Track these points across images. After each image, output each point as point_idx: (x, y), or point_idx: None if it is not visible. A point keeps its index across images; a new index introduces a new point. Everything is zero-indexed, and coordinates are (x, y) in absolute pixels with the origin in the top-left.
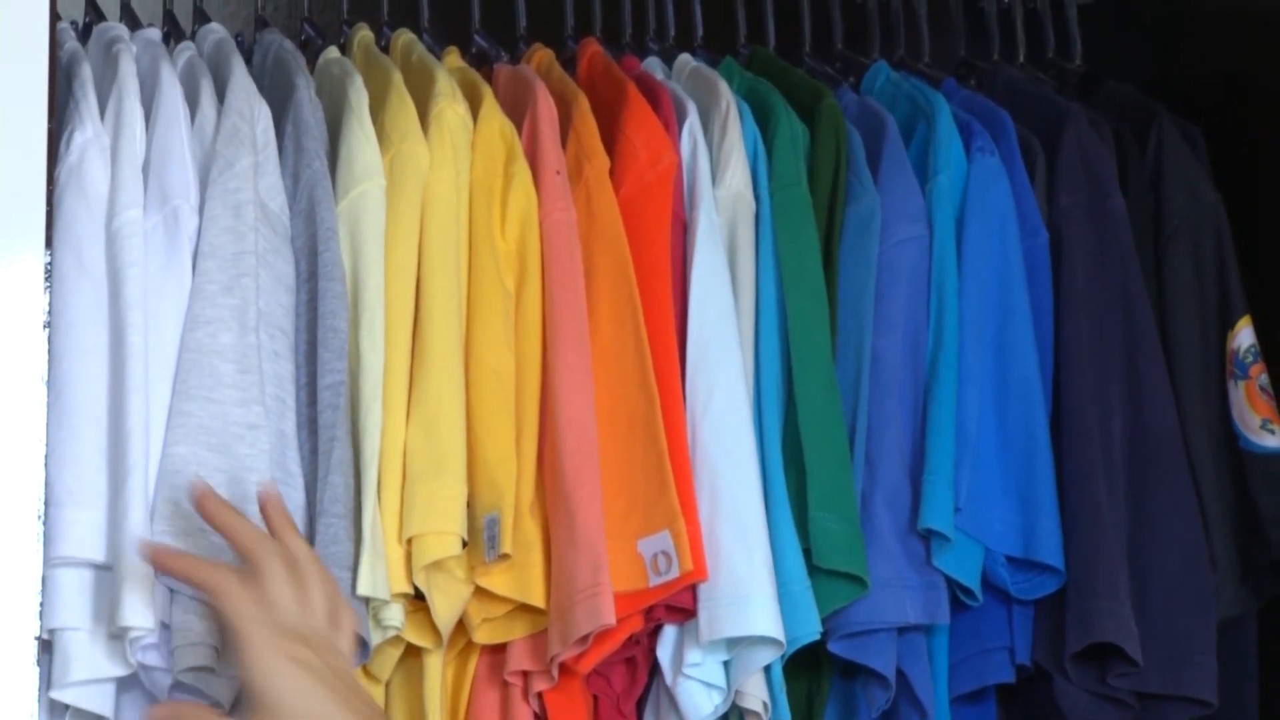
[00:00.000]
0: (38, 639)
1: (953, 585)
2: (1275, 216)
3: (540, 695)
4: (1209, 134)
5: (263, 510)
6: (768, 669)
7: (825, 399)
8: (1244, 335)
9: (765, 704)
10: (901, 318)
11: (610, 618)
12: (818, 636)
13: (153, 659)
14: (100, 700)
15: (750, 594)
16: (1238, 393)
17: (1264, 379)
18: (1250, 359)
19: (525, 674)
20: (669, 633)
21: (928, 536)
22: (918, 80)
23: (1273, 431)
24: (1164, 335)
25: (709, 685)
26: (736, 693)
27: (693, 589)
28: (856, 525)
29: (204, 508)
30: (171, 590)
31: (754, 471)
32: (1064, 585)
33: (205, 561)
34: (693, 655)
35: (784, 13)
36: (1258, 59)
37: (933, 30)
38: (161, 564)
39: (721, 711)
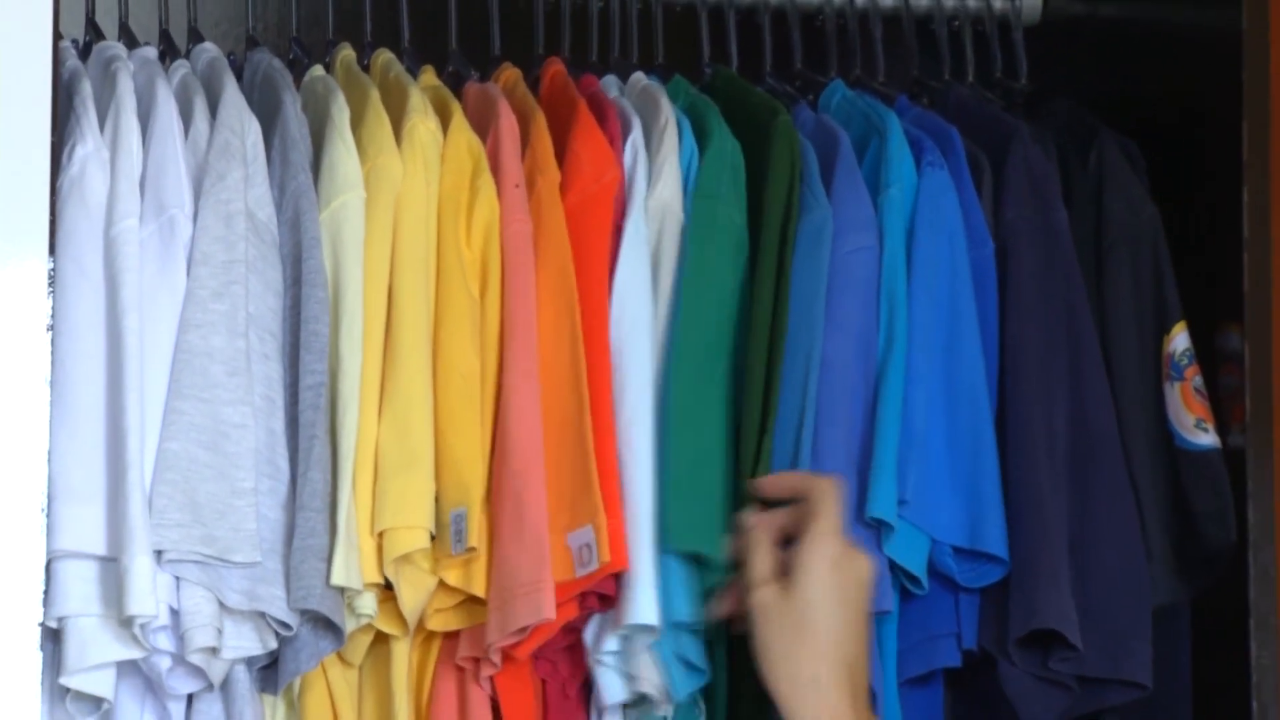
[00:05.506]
0: (42, 625)
1: (900, 575)
2: (1210, 227)
3: (493, 679)
4: (1147, 149)
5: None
6: (681, 655)
7: (691, 389)
8: (1180, 339)
9: (662, 688)
10: (852, 322)
11: (550, 612)
12: (688, 620)
13: (162, 642)
14: (102, 684)
15: (635, 583)
16: (1174, 394)
17: (1198, 380)
18: (1185, 361)
19: (476, 660)
20: (594, 621)
21: (875, 527)
22: (871, 98)
23: (1206, 430)
24: (1104, 340)
25: (620, 671)
26: (634, 678)
27: (616, 578)
28: (711, 506)
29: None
30: (178, 578)
31: (648, 469)
32: (1008, 574)
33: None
34: (609, 643)
35: (746, 34)
36: (1192, 77)
37: (887, 51)
38: (768, 487)
39: (633, 696)
